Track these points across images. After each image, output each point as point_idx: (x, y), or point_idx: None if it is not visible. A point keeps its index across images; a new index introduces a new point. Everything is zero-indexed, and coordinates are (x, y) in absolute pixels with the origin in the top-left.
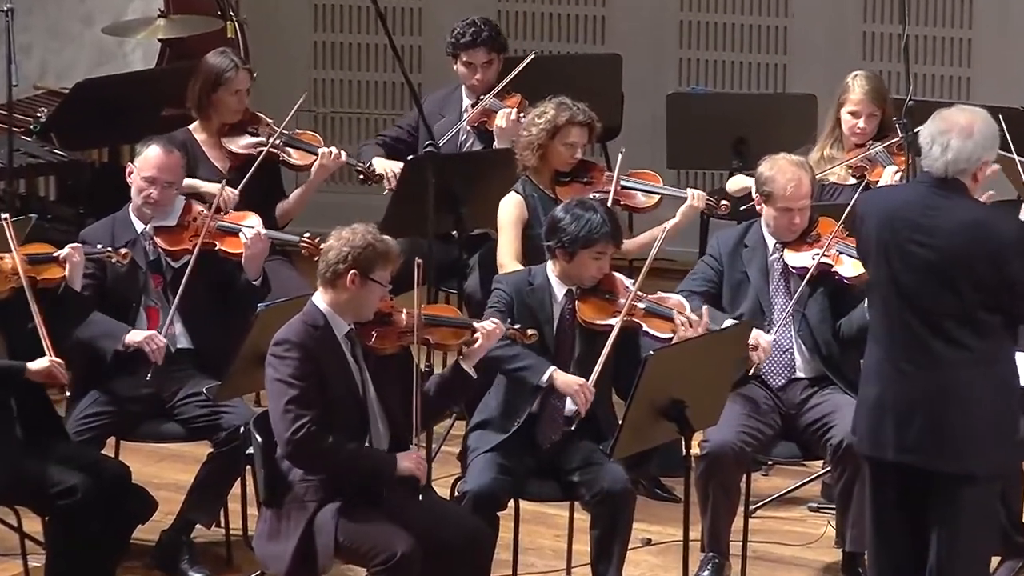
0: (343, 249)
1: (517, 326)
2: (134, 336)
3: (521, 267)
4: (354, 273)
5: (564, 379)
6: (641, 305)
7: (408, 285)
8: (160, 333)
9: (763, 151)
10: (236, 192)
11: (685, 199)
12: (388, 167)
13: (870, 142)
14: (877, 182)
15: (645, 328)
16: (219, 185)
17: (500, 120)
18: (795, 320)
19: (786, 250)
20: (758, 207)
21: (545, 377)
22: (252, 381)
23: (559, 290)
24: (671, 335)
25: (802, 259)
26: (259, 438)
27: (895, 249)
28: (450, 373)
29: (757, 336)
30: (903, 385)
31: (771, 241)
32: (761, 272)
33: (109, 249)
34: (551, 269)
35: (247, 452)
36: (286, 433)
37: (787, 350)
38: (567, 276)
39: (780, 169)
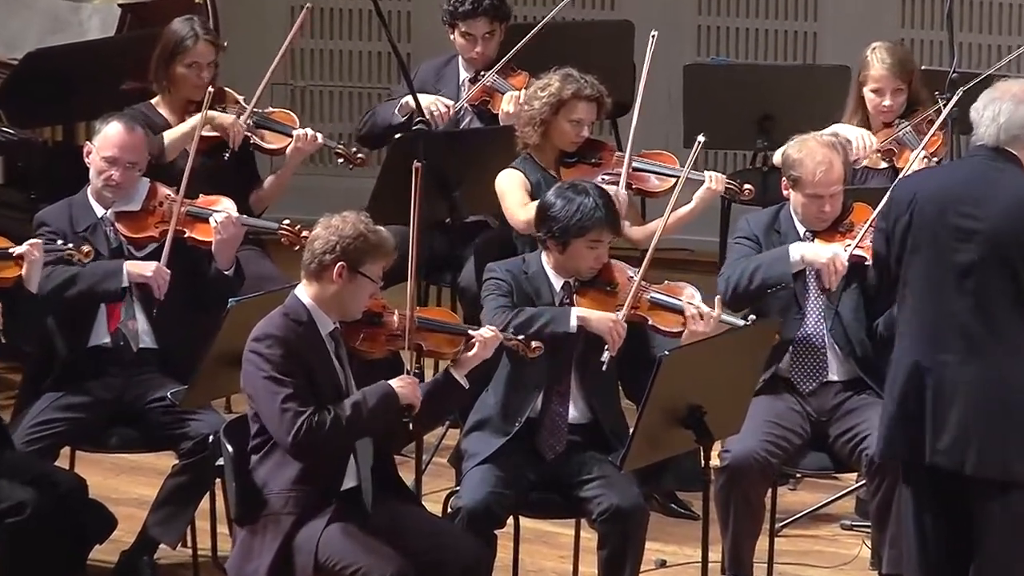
0: (331, 238)
1: (520, 337)
2: (140, 268)
3: None
4: (342, 266)
5: (596, 316)
6: (646, 297)
7: (399, 278)
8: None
9: (791, 129)
10: (244, 125)
11: (703, 182)
12: (430, 100)
13: (897, 120)
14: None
15: (651, 323)
16: (229, 117)
17: (507, 105)
18: (827, 317)
19: (816, 240)
20: (785, 192)
21: (574, 321)
22: (223, 384)
23: (556, 282)
24: (681, 330)
25: (834, 250)
26: (230, 448)
27: (944, 229)
28: (439, 381)
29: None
30: (939, 379)
31: (801, 229)
32: None
33: (71, 247)
34: (545, 260)
35: (216, 463)
36: (289, 435)
37: (819, 350)
38: (563, 268)
39: (809, 151)
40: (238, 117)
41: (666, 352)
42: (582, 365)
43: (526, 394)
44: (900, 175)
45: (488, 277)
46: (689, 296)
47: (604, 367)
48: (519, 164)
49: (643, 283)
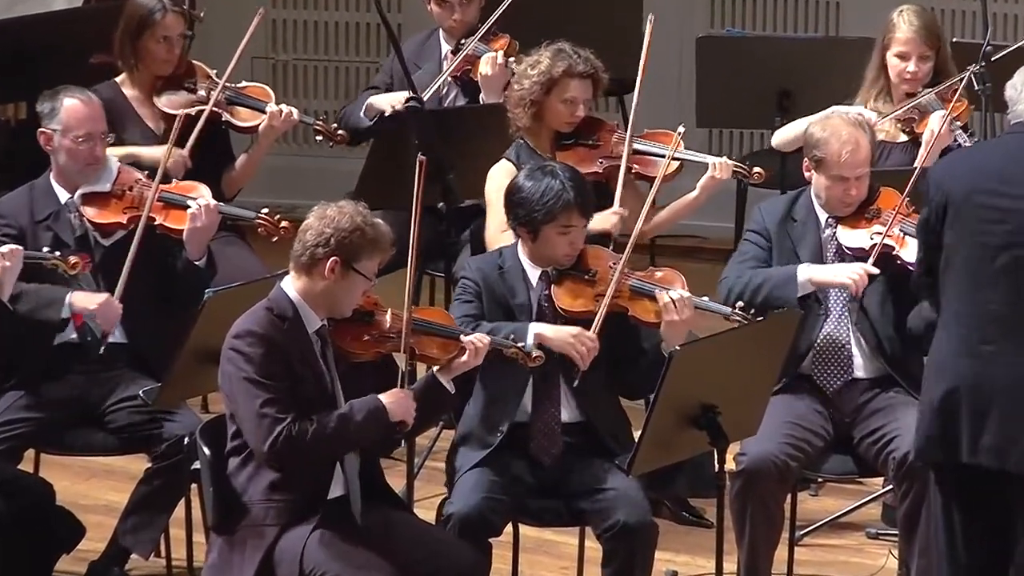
0: (325, 230)
1: (521, 344)
2: (86, 301)
3: None
4: (335, 260)
5: (554, 332)
6: (628, 284)
7: (391, 267)
8: (88, 324)
9: (811, 106)
10: (185, 154)
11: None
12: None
13: (921, 89)
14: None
15: (631, 313)
16: (163, 149)
17: (484, 67)
18: (852, 312)
19: (840, 226)
20: (807, 174)
21: (531, 339)
22: (199, 382)
23: (533, 274)
24: (657, 321)
25: (859, 238)
26: (207, 451)
27: (975, 211)
28: (426, 386)
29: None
30: (980, 372)
31: (823, 215)
32: (813, 252)
33: (57, 255)
34: (522, 250)
35: (192, 467)
36: (265, 443)
37: (843, 346)
38: (537, 257)
39: (834, 130)
40: (208, 94)
41: (677, 348)
42: (567, 365)
43: (506, 402)
44: (924, 144)
45: (460, 276)
46: (668, 280)
47: (575, 383)
48: (513, 154)
49: (626, 270)
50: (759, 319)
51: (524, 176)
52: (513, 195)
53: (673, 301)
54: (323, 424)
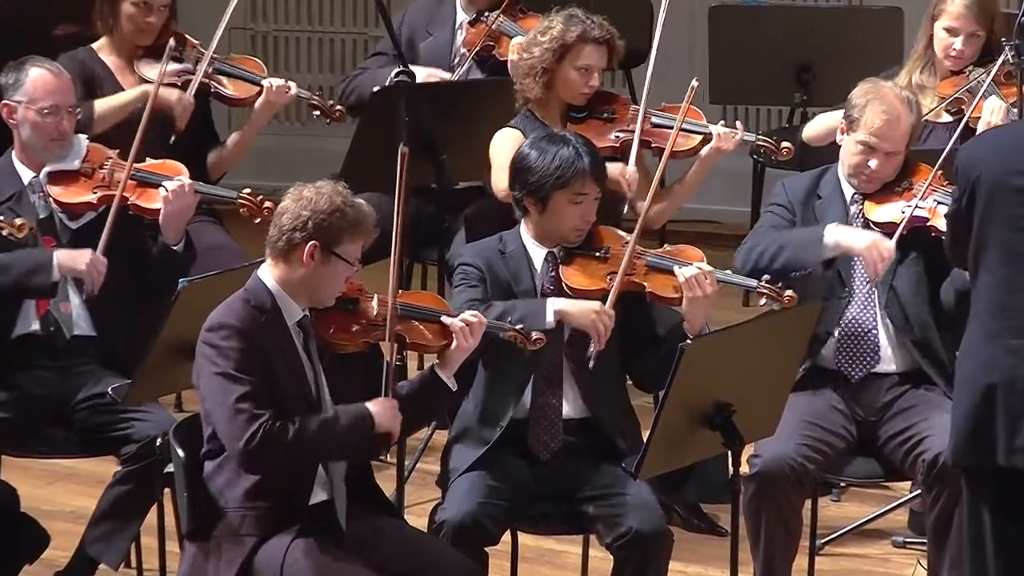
0: (302, 213)
1: (520, 326)
2: (72, 260)
3: None
4: (314, 245)
5: (576, 307)
6: (643, 261)
7: (379, 254)
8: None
9: (834, 82)
10: (191, 98)
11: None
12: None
13: (970, 67)
14: (978, 119)
15: (648, 289)
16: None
17: (516, 53)
18: (880, 293)
19: (868, 202)
20: (839, 137)
21: (550, 316)
22: (172, 378)
23: (538, 255)
24: (678, 296)
25: (889, 212)
26: (181, 452)
27: (1007, 193)
28: (423, 381)
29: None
30: (1016, 367)
31: (849, 191)
32: None
33: (1, 219)
34: (525, 230)
35: (165, 471)
36: (240, 441)
37: (869, 331)
38: (545, 233)
39: (880, 95)
40: (195, 64)
41: (688, 341)
42: (574, 350)
43: (508, 395)
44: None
45: (458, 263)
46: (686, 253)
47: (591, 363)
48: (518, 122)
49: (639, 247)
50: (788, 293)
51: (531, 144)
52: (521, 162)
53: (695, 275)
54: (304, 426)
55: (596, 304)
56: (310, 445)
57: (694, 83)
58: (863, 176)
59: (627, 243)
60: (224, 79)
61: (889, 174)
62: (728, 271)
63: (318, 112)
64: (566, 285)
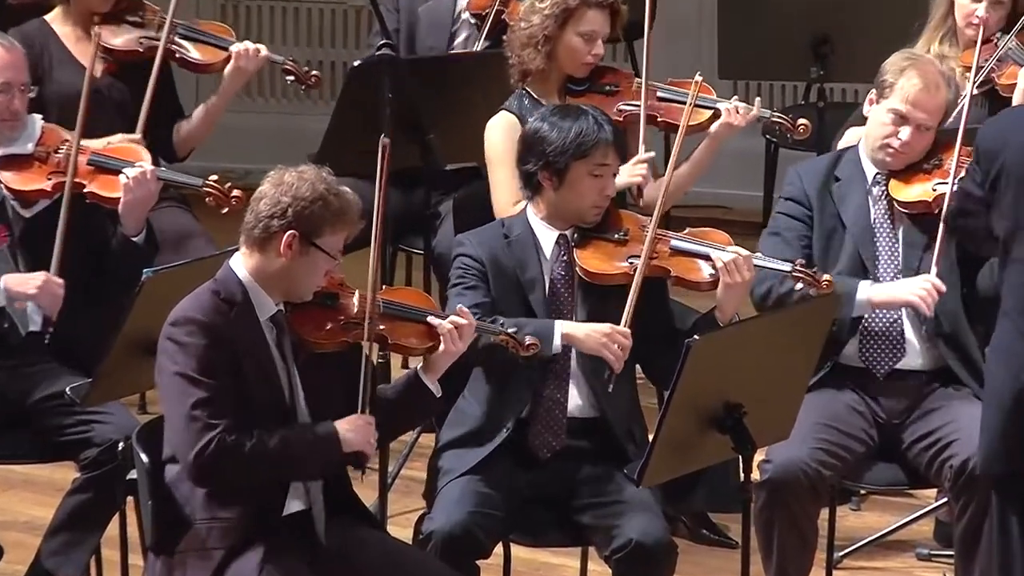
0: (282, 200)
1: (512, 330)
2: (22, 284)
3: None
4: (293, 235)
5: (584, 332)
6: (666, 246)
7: (361, 242)
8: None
9: (854, 54)
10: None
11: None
12: None
13: (997, 35)
14: (1013, 87)
15: (674, 274)
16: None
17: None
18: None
19: (893, 181)
20: (867, 109)
21: (557, 340)
22: (135, 377)
23: (547, 238)
24: (712, 280)
25: (918, 191)
26: (145, 458)
27: None
28: (407, 385)
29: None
30: None
31: (871, 171)
32: (860, 211)
33: None
34: (534, 212)
35: (128, 477)
36: (192, 449)
37: (894, 323)
38: (559, 212)
39: (919, 65)
40: (158, 30)
41: (695, 337)
42: (588, 359)
43: (516, 397)
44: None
45: (456, 255)
46: (716, 236)
47: (610, 387)
48: (514, 105)
49: (659, 230)
50: (825, 277)
51: (542, 116)
52: (534, 134)
53: (734, 259)
54: (263, 441)
55: (606, 327)
56: (267, 463)
57: (698, 78)
58: (890, 150)
59: (646, 226)
60: (189, 44)
61: (918, 153)
62: (759, 254)
63: (292, 78)
64: (581, 269)
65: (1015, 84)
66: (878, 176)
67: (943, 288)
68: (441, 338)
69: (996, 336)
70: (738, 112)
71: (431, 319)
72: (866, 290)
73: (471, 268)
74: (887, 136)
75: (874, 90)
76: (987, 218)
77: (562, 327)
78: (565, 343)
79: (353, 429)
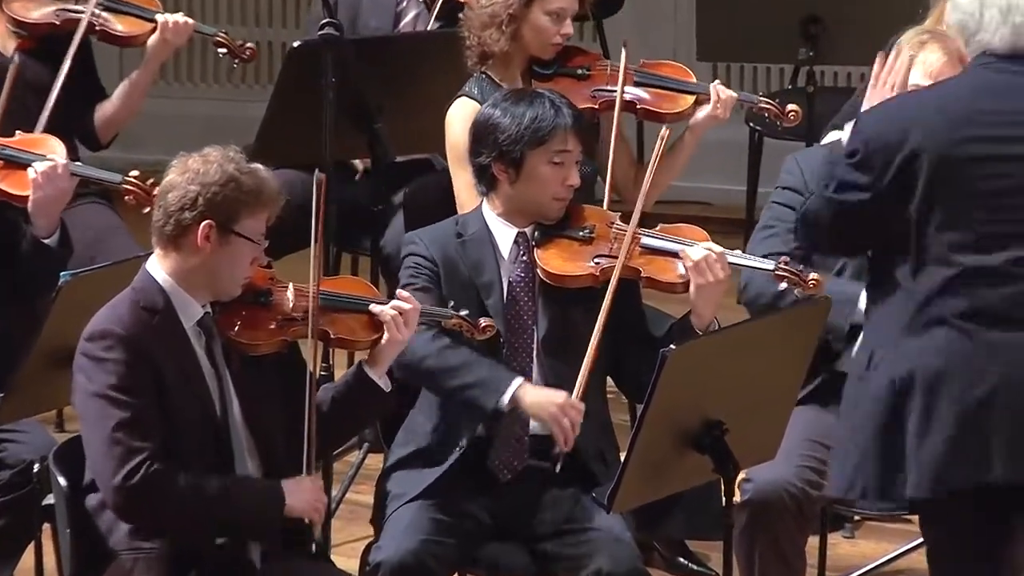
0: (190, 188)
1: (464, 312)
2: None
3: None
4: (208, 225)
5: (535, 397)
6: (637, 244)
7: (296, 243)
8: None
9: (847, 34)
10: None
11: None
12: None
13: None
14: None
15: (644, 274)
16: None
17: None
18: None
19: None
20: (865, 100)
21: (507, 397)
22: (51, 392)
23: (505, 237)
24: (681, 281)
25: None
26: (63, 481)
27: (965, 162)
28: (349, 383)
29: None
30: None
31: None
32: None
33: None
34: (489, 208)
35: (44, 503)
36: (115, 477)
37: None
38: (518, 206)
39: (941, 40)
40: (78, 1)
41: (671, 347)
42: (551, 350)
43: (471, 411)
44: None
45: (407, 254)
46: (696, 237)
47: (557, 467)
48: (474, 90)
49: (627, 226)
50: (812, 276)
51: (494, 103)
52: (485, 123)
53: (704, 257)
54: (201, 483)
55: (561, 395)
56: (200, 506)
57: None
58: None
59: (614, 222)
60: (107, 16)
61: None
62: (737, 251)
63: (224, 50)
64: (543, 271)
65: None
66: None
67: None
68: (384, 327)
69: (925, 344)
70: (720, 97)
71: (373, 307)
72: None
73: (422, 268)
74: None
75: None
76: (863, 225)
77: (515, 387)
78: (511, 405)
79: (298, 493)
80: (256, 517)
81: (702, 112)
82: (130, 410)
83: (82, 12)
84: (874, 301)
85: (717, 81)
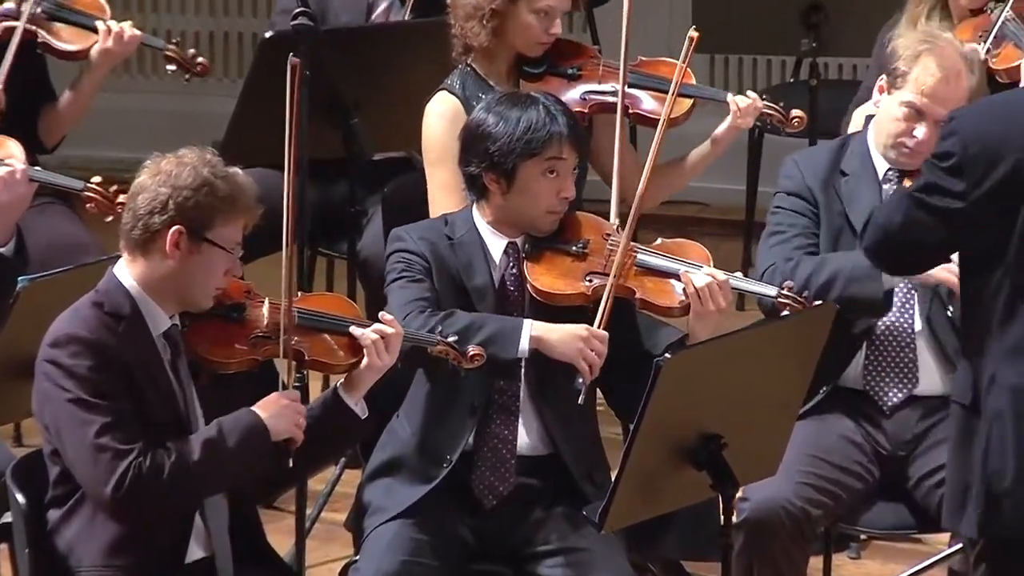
0: (160, 190)
1: (452, 339)
2: None
3: None
4: (179, 231)
5: (558, 336)
6: (632, 259)
7: (272, 245)
8: None
9: (850, 24)
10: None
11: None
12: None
13: (991, 6)
14: (1005, 72)
15: (639, 296)
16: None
17: None
18: (921, 297)
19: (907, 181)
20: (878, 96)
21: (524, 343)
22: (9, 404)
23: (496, 245)
24: (678, 306)
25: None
26: (21, 498)
27: None
28: (325, 406)
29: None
30: None
31: (882, 166)
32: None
33: None
34: (480, 215)
35: (1, 521)
36: (108, 485)
37: (906, 347)
38: (510, 217)
39: (938, 50)
40: (19, 5)
41: (666, 356)
42: (538, 367)
43: (459, 421)
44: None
45: (394, 250)
46: (698, 257)
47: (580, 399)
48: (456, 84)
49: (633, 243)
50: (816, 304)
51: (487, 107)
52: (476, 129)
53: (708, 285)
54: (184, 454)
55: (582, 329)
56: (195, 477)
57: (692, 33)
58: (904, 149)
59: (610, 235)
60: (54, 26)
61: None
62: (738, 274)
63: (174, 67)
64: (532, 287)
65: (1013, 68)
66: (890, 172)
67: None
68: (365, 351)
69: (994, 378)
70: (739, 107)
71: (354, 329)
72: None
73: (414, 263)
74: (900, 134)
75: (884, 76)
76: (949, 233)
77: (532, 328)
78: (534, 347)
79: (276, 413)
80: (246, 457)
81: (723, 124)
82: (109, 413)
83: (17, 23)
84: (971, 320)
85: (729, 93)
